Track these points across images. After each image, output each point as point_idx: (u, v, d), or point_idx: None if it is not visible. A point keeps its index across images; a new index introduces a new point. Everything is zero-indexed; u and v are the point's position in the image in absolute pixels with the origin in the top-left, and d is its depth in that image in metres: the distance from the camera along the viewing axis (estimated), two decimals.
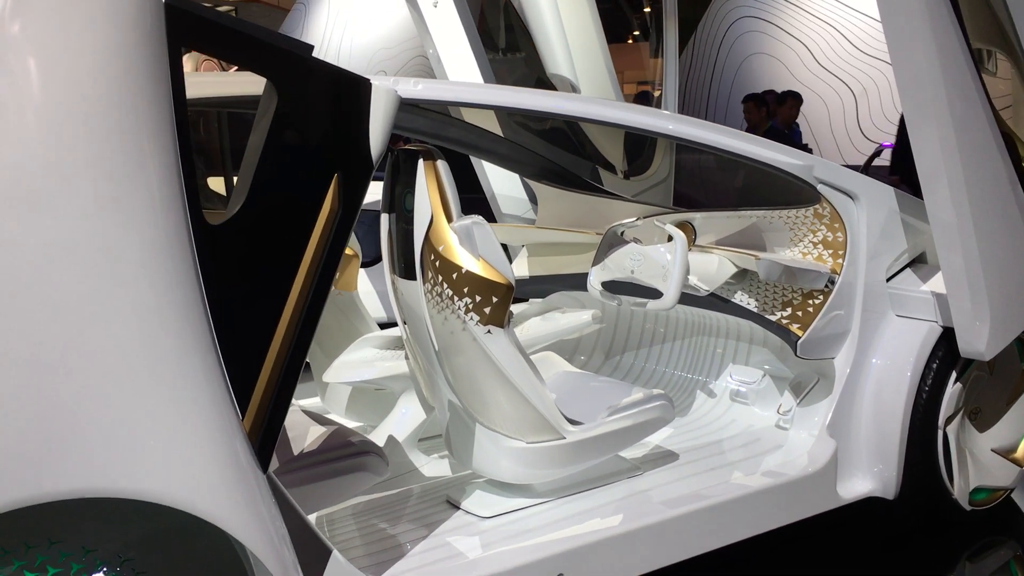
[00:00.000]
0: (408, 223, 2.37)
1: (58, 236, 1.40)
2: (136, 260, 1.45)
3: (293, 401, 2.81)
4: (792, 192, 2.96)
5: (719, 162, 5.13)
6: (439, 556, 2.32)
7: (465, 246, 2.29)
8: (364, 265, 3.96)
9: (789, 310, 3.00)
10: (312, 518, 2.47)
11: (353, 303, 3.10)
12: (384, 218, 2.50)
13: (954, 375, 2.97)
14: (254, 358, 1.66)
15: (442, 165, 2.33)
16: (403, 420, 2.90)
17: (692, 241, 3.30)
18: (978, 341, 2.79)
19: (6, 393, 1.41)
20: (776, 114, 8.62)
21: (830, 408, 2.91)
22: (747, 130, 7.84)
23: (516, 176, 4.00)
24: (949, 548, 3.09)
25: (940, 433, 2.97)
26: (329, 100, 1.77)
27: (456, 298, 2.31)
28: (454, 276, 2.29)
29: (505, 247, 4.25)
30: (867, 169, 7.00)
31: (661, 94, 4.76)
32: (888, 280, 3.03)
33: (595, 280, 3.13)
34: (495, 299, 2.31)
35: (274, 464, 2.18)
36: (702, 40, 11.92)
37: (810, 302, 2.95)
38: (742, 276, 3.12)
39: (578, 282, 3.26)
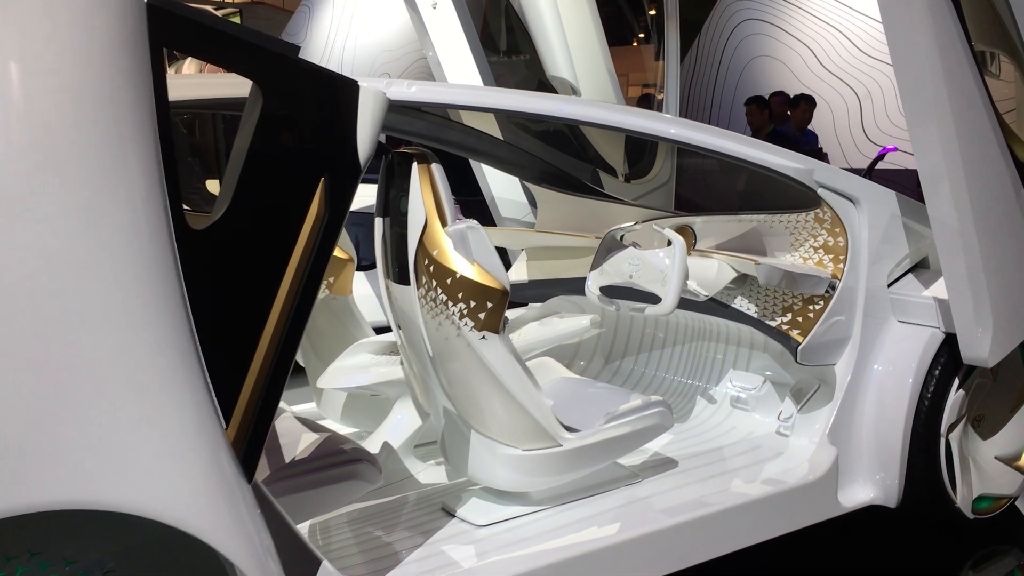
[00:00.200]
0: (402, 227, 2.34)
1: (34, 242, 1.37)
2: (116, 265, 1.42)
3: (286, 407, 2.81)
4: (792, 196, 2.94)
5: (721, 166, 5.10)
6: (433, 565, 2.29)
7: (460, 251, 2.26)
8: (363, 268, 3.93)
9: (789, 315, 2.97)
10: (305, 526, 2.47)
11: (348, 307, 3.08)
12: (378, 222, 2.47)
13: (957, 382, 2.94)
14: (238, 366, 1.63)
15: (436, 168, 2.31)
16: (398, 426, 2.88)
17: (692, 245, 3.27)
18: (981, 347, 2.77)
19: None
20: (783, 117, 8.57)
21: (831, 415, 2.89)
22: (752, 134, 7.82)
23: (516, 179, 3.97)
24: (952, 557, 3.06)
25: (943, 440, 2.94)
26: (316, 102, 1.74)
27: (450, 303, 2.28)
28: (448, 281, 2.27)
29: (504, 251, 4.23)
30: (870, 173, 6.95)
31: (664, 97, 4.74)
32: (890, 285, 3.00)
33: (593, 285, 3.11)
34: (490, 304, 2.28)
35: (264, 472, 2.17)
36: (706, 43, 11.88)
37: (810, 307, 2.92)
38: (742, 281, 3.09)
39: (578, 286, 3.24)
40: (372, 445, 2.86)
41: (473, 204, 4.28)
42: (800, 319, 2.94)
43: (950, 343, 2.88)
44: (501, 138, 3.59)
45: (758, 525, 2.69)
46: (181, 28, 1.55)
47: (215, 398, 1.57)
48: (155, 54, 1.48)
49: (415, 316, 2.38)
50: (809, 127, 8.46)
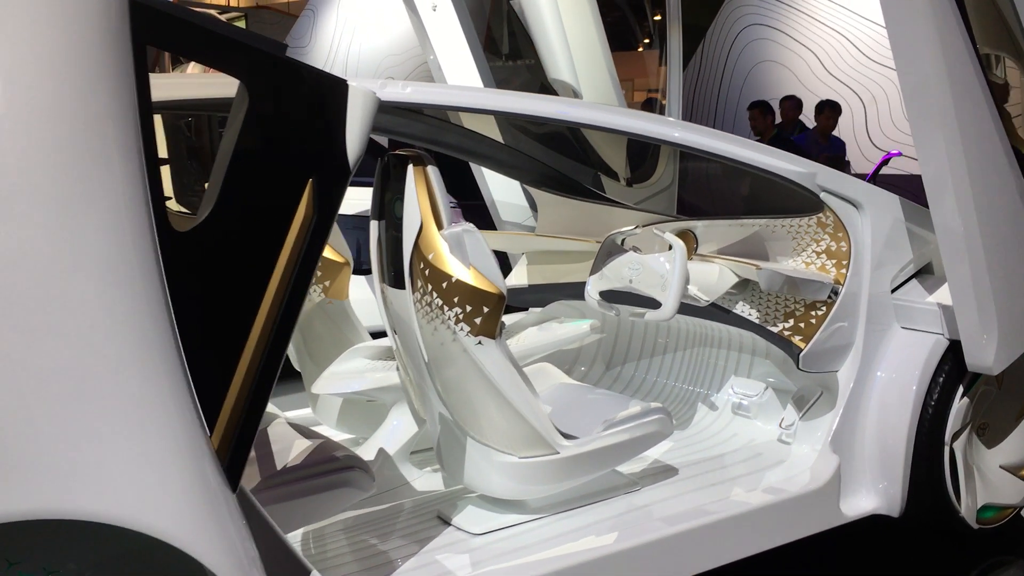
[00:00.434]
0: (397, 230, 2.32)
1: (9, 244, 1.34)
2: (96, 268, 1.39)
3: (279, 413, 2.77)
4: (795, 200, 2.91)
5: (724, 170, 5.07)
6: (428, 574, 2.27)
7: (455, 254, 2.24)
8: (364, 273, 3.90)
9: (791, 321, 2.94)
10: (298, 535, 2.44)
11: (344, 312, 3.05)
12: (373, 225, 2.45)
13: (961, 389, 2.91)
14: (223, 372, 1.60)
15: (432, 171, 2.28)
16: (394, 433, 2.85)
17: (694, 250, 3.24)
18: (985, 354, 2.74)
19: None
20: (793, 122, 8.51)
21: (833, 423, 2.85)
22: (755, 139, 7.77)
23: (516, 182, 3.95)
24: (956, 568, 3.03)
25: (947, 449, 2.91)
26: (303, 101, 1.71)
27: (446, 308, 2.25)
28: (444, 285, 2.24)
29: (505, 255, 4.20)
30: (874, 177, 6.92)
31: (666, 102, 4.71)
32: (893, 291, 2.97)
33: (593, 289, 3.08)
34: (486, 309, 2.25)
35: (255, 479, 2.14)
36: (710, 48, 11.87)
37: (813, 313, 2.89)
38: (743, 286, 3.06)
39: (578, 291, 3.21)
40: (367, 451, 2.83)
41: (473, 208, 4.26)
42: (802, 325, 2.91)
43: (954, 350, 2.85)
44: (501, 141, 3.58)
45: (759, 534, 2.65)
46: (165, 25, 1.52)
47: (199, 404, 1.54)
48: (138, 52, 1.45)
49: (410, 320, 2.35)
50: (834, 133, 8.32)
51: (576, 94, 4.08)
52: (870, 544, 3.07)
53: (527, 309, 3.86)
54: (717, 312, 3.12)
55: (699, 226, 3.25)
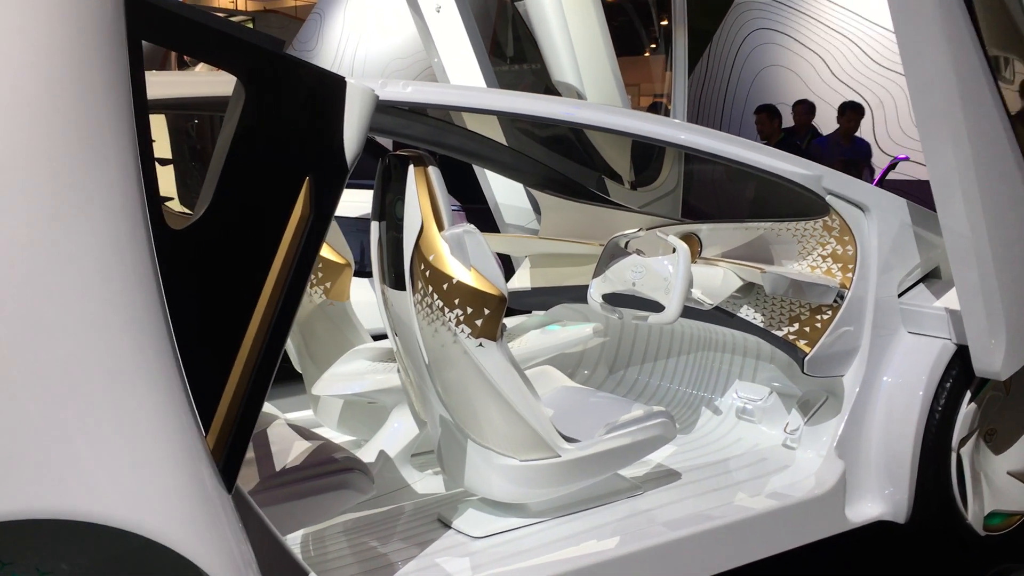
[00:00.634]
0: (398, 231, 2.30)
1: (1, 241, 1.32)
2: (90, 267, 1.37)
3: (279, 414, 2.76)
4: (801, 203, 2.89)
5: (729, 173, 5.05)
6: None
7: (456, 255, 2.22)
8: (366, 275, 3.89)
9: (796, 325, 2.92)
10: (297, 536, 2.42)
11: (345, 313, 3.04)
12: (374, 226, 2.43)
13: (968, 395, 2.88)
14: (219, 372, 1.58)
15: (433, 171, 2.27)
16: (395, 435, 2.83)
17: (698, 253, 3.22)
18: (993, 360, 2.71)
19: None
20: (805, 127, 8.45)
21: (839, 428, 2.83)
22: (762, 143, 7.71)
23: (519, 185, 3.94)
24: (962, 575, 2.99)
25: (954, 455, 2.88)
26: (301, 99, 1.69)
27: (447, 309, 2.23)
28: (445, 287, 2.22)
29: (508, 258, 4.18)
30: (881, 181, 6.89)
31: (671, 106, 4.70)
32: (900, 295, 2.95)
33: (595, 292, 3.07)
34: (487, 311, 2.23)
35: (254, 480, 2.12)
36: (717, 52, 11.85)
37: (818, 317, 2.87)
38: (748, 290, 3.04)
39: (582, 294, 3.20)
40: (368, 453, 2.81)
41: (476, 211, 4.24)
42: (807, 329, 2.89)
43: (962, 355, 2.83)
44: (505, 143, 3.56)
45: (763, 540, 2.63)
46: (161, 20, 1.51)
47: (194, 405, 1.52)
48: (133, 47, 1.44)
49: (411, 322, 2.34)
50: (857, 135, 8.20)
51: (581, 97, 4.06)
52: (876, 551, 3.04)
53: (530, 312, 3.84)
54: (721, 316, 3.10)
55: (703, 229, 3.23)
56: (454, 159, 3.34)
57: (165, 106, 2.56)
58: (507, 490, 2.45)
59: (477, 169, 3.97)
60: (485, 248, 2.25)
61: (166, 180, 3.43)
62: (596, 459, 2.52)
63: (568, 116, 2.56)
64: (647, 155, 4.17)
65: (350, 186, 1.83)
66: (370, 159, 2.42)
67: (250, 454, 2.06)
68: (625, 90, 4.33)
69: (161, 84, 2.21)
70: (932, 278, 3.05)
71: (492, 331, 2.26)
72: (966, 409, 2.87)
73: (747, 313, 3.05)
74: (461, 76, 4.01)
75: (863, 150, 8.05)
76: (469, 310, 2.22)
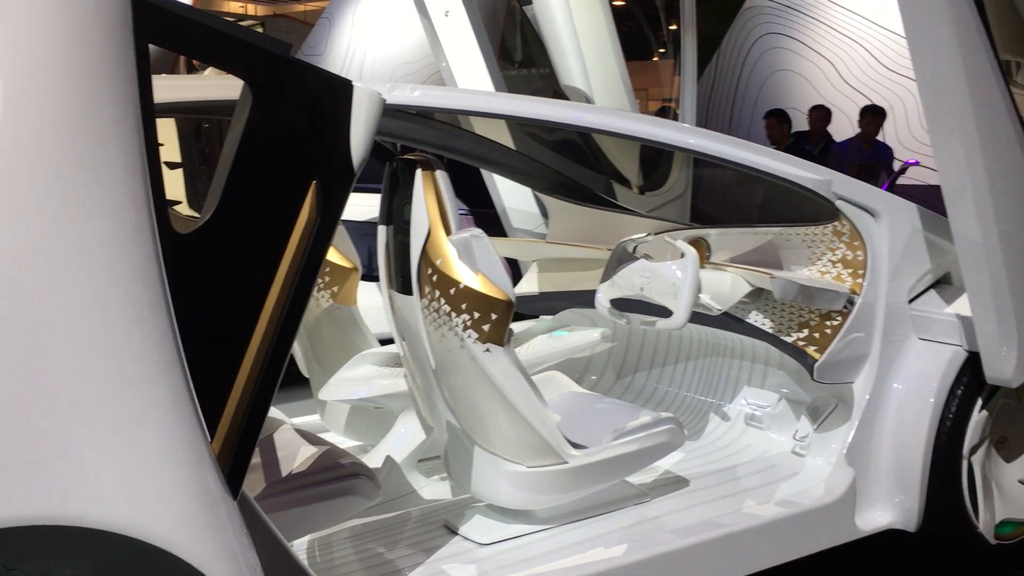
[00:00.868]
0: (405, 235, 2.30)
1: (7, 245, 1.31)
2: (96, 270, 1.36)
3: (286, 419, 2.75)
4: (810, 208, 2.87)
5: (738, 178, 5.03)
6: None
7: (464, 260, 2.21)
8: (374, 279, 3.89)
9: (806, 331, 2.90)
10: (304, 543, 2.41)
11: (352, 318, 3.03)
12: (381, 230, 2.42)
13: (980, 402, 2.86)
14: (225, 376, 1.57)
15: (441, 175, 2.26)
16: (402, 440, 2.82)
17: (706, 258, 3.21)
18: (1005, 367, 2.69)
19: None
20: (820, 133, 8.40)
21: (849, 435, 2.81)
22: (785, 150, 7.68)
23: (527, 189, 3.93)
24: None
25: (965, 463, 2.86)
26: (307, 102, 1.69)
27: (454, 314, 2.22)
28: (452, 291, 2.21)
29: (516, 262, 4.17)
30: (892, 186, 6.85)
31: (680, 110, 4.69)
32: (910, 301, 2.93)
33: (603, 297, 3.06)
34: (494, 316, 2.23)
35: (260, 486, 2.11)
36: (726, 56, 11.84)
37: (828, 323, 2.85)
38: (757, 295, 3.02)
39: (590, 299, 3.19)
40: (375, 459, 2.80)
41: (485, 216, 4.23)
42: (817, 335, 2.87)
43: (973, 362, 2.81)
44: (513, 148, 3.55)
45: (772, 548, 2.61)
46: (169, 24, 1.50)
47: (199, 409, 1.51)
48: (140, 50, 1.43)
49: (418, 327, 2.33)
50: (879, 138, 8.10)
51: (589, 101, 4.05)
52: (886, 560, 3.01)
53: (537, 317, 3.83)
54: (730, 321, 3.08)
55: (712, 234, 3.22)
56: (462, 163, 3.33)
57: (174, 110, 2.55)
58: (514, 496, 2.44)
59: (485, 173, 3.97)
60: (492, 253, 2.24)
61: (176, 183, 3.43)
62: (604, 465, 2.51)
63: (576, 120, 2.54)
64: (655, 159, 4.16)
65: (357, 190, 1.82)
66: (377, 162, 2.41)
67: (256, 459, 2.05)
68: (634, 94, 4.33)
69: (170, 88, 2.20)
70: (943, 284, 3.03)
71: (499, 336, 2.25)
72: (977, 416, 2.85)
73: (756, 319, 3.04)
74: (469, 80, 4.01)
75: (884, 154, 7.96)
76: (476, 315, 2.22)
